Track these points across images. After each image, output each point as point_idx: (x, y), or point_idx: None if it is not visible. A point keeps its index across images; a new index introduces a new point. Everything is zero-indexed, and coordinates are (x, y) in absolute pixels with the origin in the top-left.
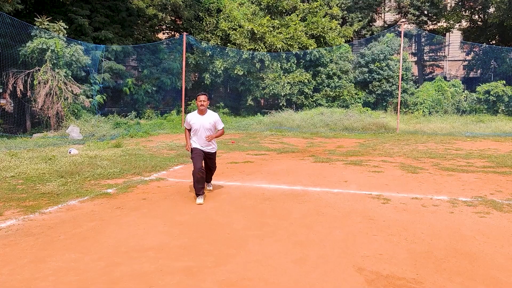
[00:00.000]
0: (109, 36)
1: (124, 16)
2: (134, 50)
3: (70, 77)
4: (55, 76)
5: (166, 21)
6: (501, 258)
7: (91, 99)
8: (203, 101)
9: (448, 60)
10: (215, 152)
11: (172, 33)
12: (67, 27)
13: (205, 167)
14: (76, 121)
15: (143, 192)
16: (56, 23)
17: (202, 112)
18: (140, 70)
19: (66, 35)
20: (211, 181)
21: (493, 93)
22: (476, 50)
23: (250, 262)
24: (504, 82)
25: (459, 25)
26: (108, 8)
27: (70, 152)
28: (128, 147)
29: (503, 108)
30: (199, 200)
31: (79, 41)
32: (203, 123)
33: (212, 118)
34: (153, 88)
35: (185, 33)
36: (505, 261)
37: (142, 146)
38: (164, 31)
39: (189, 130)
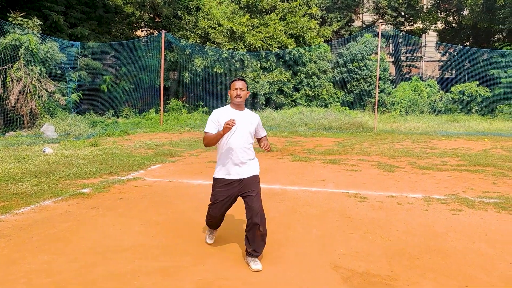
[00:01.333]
0: (86, 33)
1: (101, 13)
2: (112, 48)
3: (44, 74)
4: (29, 73)
5: (144, 19)
6: (472, 254)
7: (66, 97)
8: (241, 89)
9: (424, 61)
10: (257, 175)
11: (151, 30)
12: (42, 23)
13: (247, 211)
14: (51, 119)
15: (119, 192)
16: (31, 19)
17: (239, 107)
18: (118, 67)
19: (41, 32)
20: (257, 256)
21: (467, 93)
22: (451, 51)
23: (228, 261)
24: (477, 82)
25: (434, 27)
26: (85, 4)
27: (44, 151)
28: (105, 146)
29: (476, 108)
30: (209, 239)
31: (53, 38)
32: (241, 122)
33: (253, 118)
34: (131, 86)
35: (163, 31)
36: (476, 257)
37: (120, 145)
38: (143, 29)
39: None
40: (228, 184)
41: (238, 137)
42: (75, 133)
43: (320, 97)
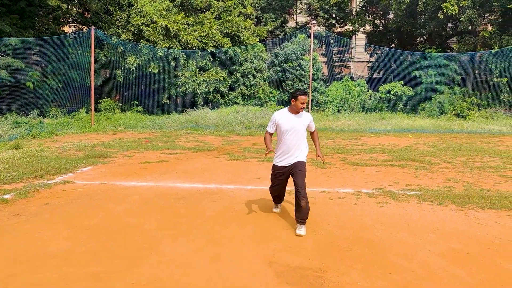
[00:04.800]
0: (6, 29)
1: (23, 6)
2: (37, 44)
3: None
4: None
5: (72, 13)
6: (395, 243)
7: None
8: (305, 103)
9: (355, 61)
10: (304, 161)
11: (80, 26)
12: None
13: (295, 188)
14: None
15: (46, 197)
16: None
17: (297, 112)
18: (43, 65)
19: None
20: (304, 223)
21: (393, 93)
22: (379, 52)
23: (162, 263)
24: (402, 82)
25: (363, 29)
26: None
27: None
28: (30, 148)
29: (402, 106)
30: (275, 209)
31: None
32: (296, 124)
33: (306, 119)
34: (59, 85)
35: (93, 27)
36: (398, 246)
37: (46, 147)
38: (71, 24)
39: (271, 134)
40: (282, 167)
41: (293, 136)
42: None
43: (256, 96)
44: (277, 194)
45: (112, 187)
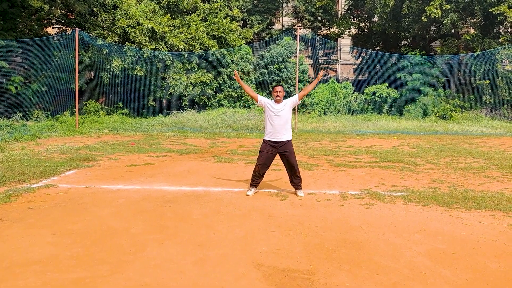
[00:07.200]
0: None
1: (5, 7)
2: (19, 45)
3: None
4: None
5: (56, 15)
6: (382, 244)
7: None
8: (279, 92)
9: (340, 64)
10: (290, 140)
11: (64, 28)
12: None
13: (285, 166)
14: None
15: (29, 201)
16: None
17: (278, 102)
18: (26, 67)
19: None
20: (301, 188)
21: (378, 95)
22: (364, 55)
23: (148, 267)
24: (387, 84)
25: (348, 32)
26: None
27: None
28: (12, 152)
29: (387, 108)
30: (249, 192)
31: None
32: (278, 108)
33: (287, 102)
34: (43, 88)
35: (77, 28)
36: (385, 247)
37: (29, 150)
38: (54, 26)
39: (256, 96)
40: (269, 146)
41: (279, 119)
42: None
43: (243, 98)
44: (258, 173)
45: (97, 191)
